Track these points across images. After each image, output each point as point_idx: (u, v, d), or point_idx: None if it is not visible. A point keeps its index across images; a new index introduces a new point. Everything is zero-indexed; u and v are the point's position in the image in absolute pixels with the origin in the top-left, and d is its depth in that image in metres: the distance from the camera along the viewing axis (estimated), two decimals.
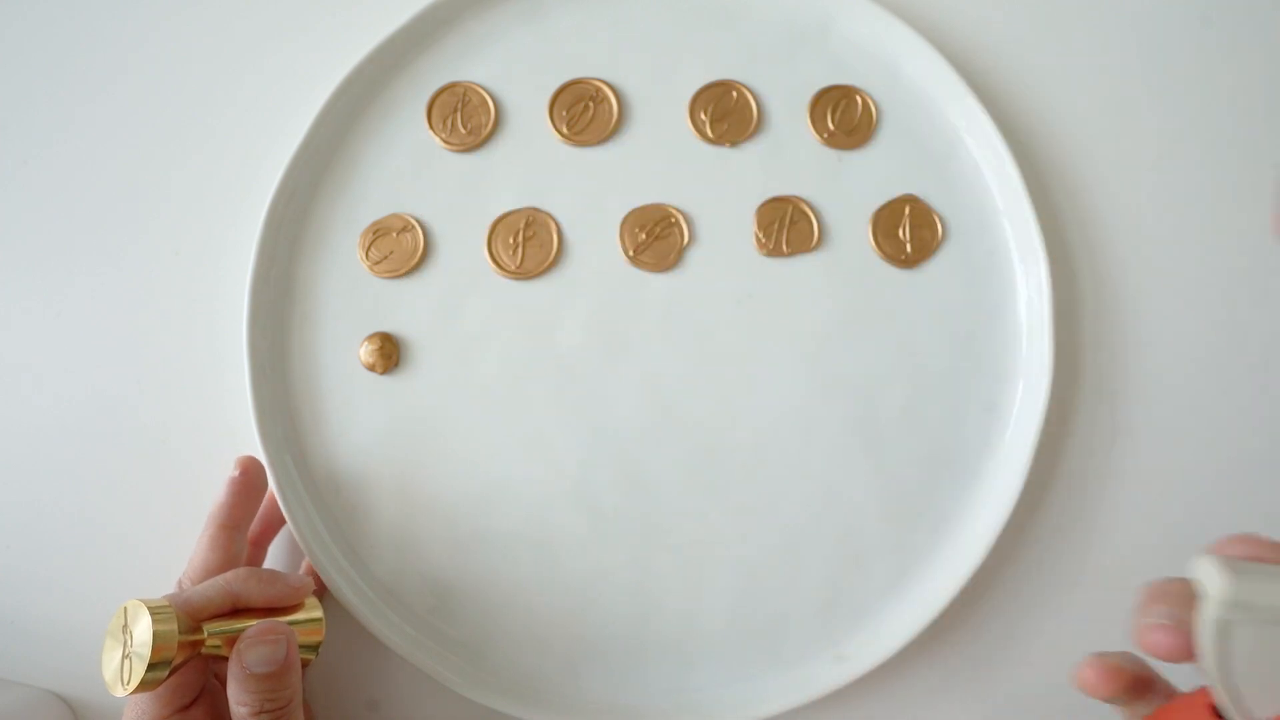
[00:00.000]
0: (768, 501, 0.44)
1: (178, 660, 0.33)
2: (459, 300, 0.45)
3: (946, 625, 0.44)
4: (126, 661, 0.32)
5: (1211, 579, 0.27)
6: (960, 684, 0.45)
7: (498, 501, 0.44)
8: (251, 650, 0.34)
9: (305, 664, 0.37)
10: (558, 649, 0.44)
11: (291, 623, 0.37)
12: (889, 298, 0.46)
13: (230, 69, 0.48)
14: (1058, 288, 0.46)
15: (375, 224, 0.45)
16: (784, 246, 0.45)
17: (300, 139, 0.44)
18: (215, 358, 0.46)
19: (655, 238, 0.45)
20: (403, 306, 0.45)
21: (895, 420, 0.45)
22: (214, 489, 0.42)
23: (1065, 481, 0.46)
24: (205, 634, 0.34)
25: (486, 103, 0.46)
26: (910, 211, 0.46)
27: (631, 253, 0.45)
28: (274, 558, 0.45)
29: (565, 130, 0.46)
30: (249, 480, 0.41)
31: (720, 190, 0.46)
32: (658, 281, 0.46)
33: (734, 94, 0.46)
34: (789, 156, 0.46)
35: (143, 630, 0.32)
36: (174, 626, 0.33)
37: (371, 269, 0.45)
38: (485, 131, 0.46)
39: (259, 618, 0.36)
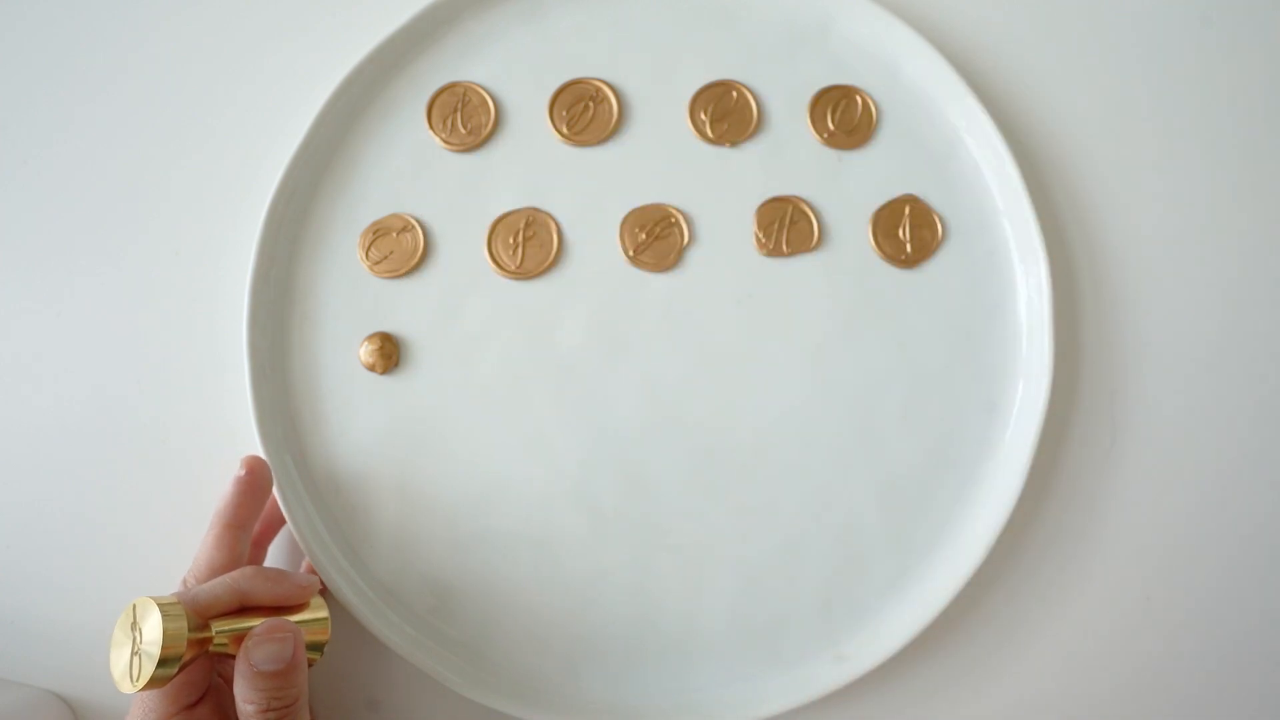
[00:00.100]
0: (768, 501, 0.45)
1: (187, 657, 0.33)
2: (459, 300, 0.46)
3: (946, 625, 0.45)
4: (135, 658, 0.33)
5: None
6: (960, 684, 0.46)
7: (498, 501, 0.45)
8: (259, 648, 0.35)
9: (310, 663, 0.38)
10: (558, 649, 0.44)
11: (298, 622, 0.37)
12: (889, 298, 0.46)
13: (230, 69, 0.49)
14: (1058, 288, 0.47)
15: (375, 224, 0.46)
16: (784, 246, 0.46)
17: (300, 139, 0.45)
18: (215, 358, 0.46)
19: (655, 238, 0.46)
20: (403, 306, 0.46)
21: (895, 420, 0.46)
22: (214, 489, 0.43)
23: (1065, 481, 0.47)
24: (213, 632, 0.35)
25: (486, 103, 0.47)
26: (910, 211, 0.47)
27: (631, 253, 0.46)
28: (274, 558, 0.46)
29: (565, 130, 0.47)
30: (255, 480, 0.41)
31: (720, 190, 0.47)
32: (658, 281, 0.46)
33: (734, 94, 0.47)
34: (789, 156, 0.47)
35: (152, 628, 0.33)
36: (183, 624, 0.33)
37: (371, 269, 0.46)
38: (485, 131, 0.47)
39: (265, 616, 0.36)
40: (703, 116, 0.47)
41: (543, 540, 0.45)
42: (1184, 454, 0.47)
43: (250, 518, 0.41)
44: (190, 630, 0.34)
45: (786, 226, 0.46)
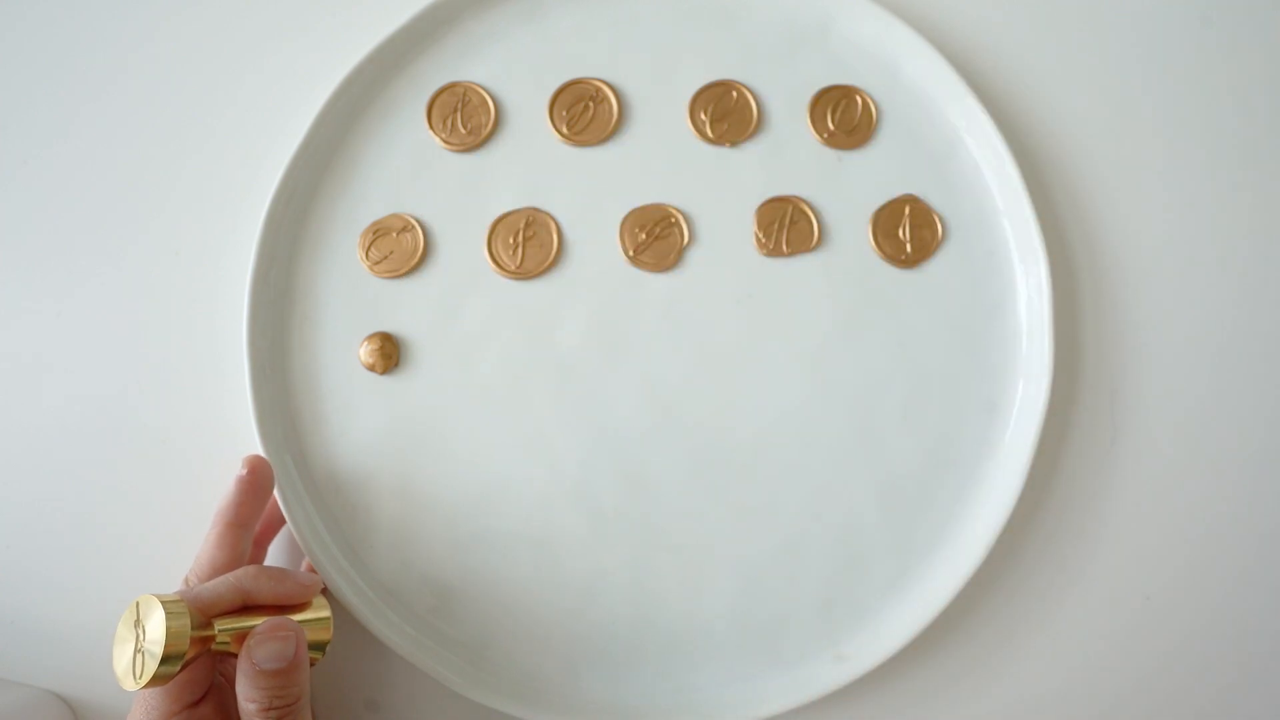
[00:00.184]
0: (768, 501, 0.45)
1: (190, 655, 0.34)
2: (459, 300, 0.46)
3: (946, 625, 0.45)
4: (139, 656, 0.34)
5: None
6: (960, 684, 0.46)
7: (498, 501, 0.45)
8: (261, 647, 0.35)
9: (312, 663, 0.38)
10: (558, 649, 0.45)
11: (300, 621, 0.38)
12: (889, 298, 0.47)
13: (230, 69, 0.49)
14: (1058, 288, 0.47)
15: (375, 224, 0.46)
16: (784, 246, 0.47)
17: (300, 139, 0.45)
18: (215, 358, 0.47)
19: (655, 238, 0.47)
20: (403, 306, 0.46)
21: (895, 420, 0.46)
22: (214, 489, 0.43)
23: (1065, 481, 0.47)
24: (215, 630, 0.35)
25: (486, 103, 0.47)
26: (910, 211, 0.47)
27: (631, 253, 0.47)
28: (274, 557, 0.46)
29: (565, 130, 0.47)
30: (257, 479, 0.42)
31: (720, 190, 0.47)
32: (658, 281, 0.47)
33: (734, 94, 0.48)
34: (789, 156, 0.47)
35: (155, 625, 0.33)
36: (186, 622, 0.34)
37: (371, 269, 0.46)
38: (485, 131, 0.47)
39: (268, 615, 0.37)
40: (703, 116, 0.47)
41: (543, 540, 0.45)
42: (1184, 454, 0.47)
43: (252, 517, 0.41)
44: (193, 628, 0.34)
45: (786, 226, 0.47)
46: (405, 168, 0.47)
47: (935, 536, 0.46)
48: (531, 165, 0.47)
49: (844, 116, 0.48)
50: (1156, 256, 0.48)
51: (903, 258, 0.47)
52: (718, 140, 0.47)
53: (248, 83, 0.49)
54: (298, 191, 0.46)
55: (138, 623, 0.34)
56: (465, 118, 0.47)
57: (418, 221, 0.47)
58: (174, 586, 0.42)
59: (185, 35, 0.50)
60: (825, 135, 0.47)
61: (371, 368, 0.45)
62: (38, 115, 0.49)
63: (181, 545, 0.44)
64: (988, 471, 0.46)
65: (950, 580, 0.44)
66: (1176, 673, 0.46)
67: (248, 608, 0.37)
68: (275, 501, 0.44)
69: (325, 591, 0.43)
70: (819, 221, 0.47)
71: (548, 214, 0.47)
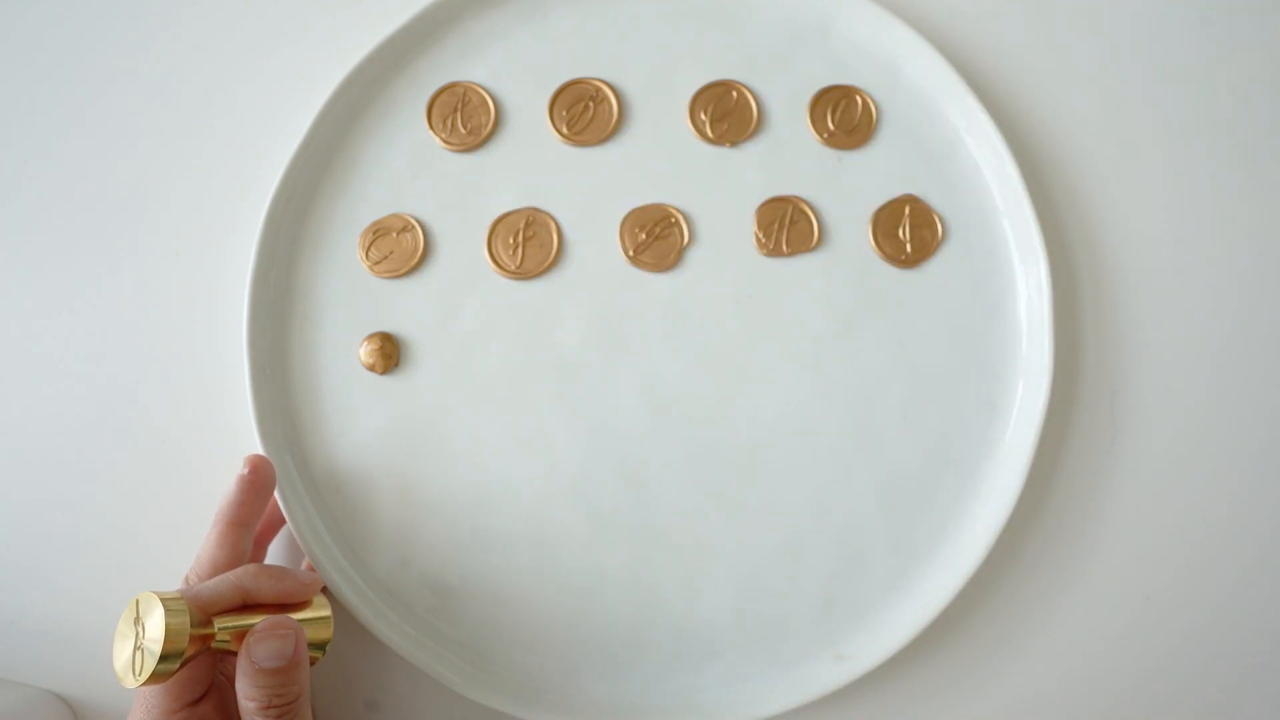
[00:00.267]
0: (768, 501, 0.46)
1: (189, 653, 0.34)
2: (459, 300, 0.46)
3: (946, 625, 0.45)
4: (138, 653, 0.34)
5: None
6: (960, 684, 0.46)
7: (498, 501, 0.45)
8: (260, 645, 0.35)
9: (313, 662, 0.38)
10: (558, 649, 0.45)
11: (300, 620, 0.38)
12: (889, 298, 0.47)
13: (230, 69, 0.50)
14: (1058, 288, 0.47)
15: (375, 224, 0.47)
16: (784, 246, 0.47)
17: (300, 139, 0.45)
18: (215, 358, 0.47)
19: (655, 238, 0.47)
20: (403, 306, 0.46)
21: (895, 420, 0.46)
22: (215, 489, 0.43)
23: (1065, 481, 0.47)
24: (215, 628, 0.35)
25: (486, 103, 0.48)
26: (910, 211, 0.47)
27: (631, 253, 0.47)
28: (274, 557, 0.46)
29: (565, 130, 0.47)
30: (258, 478, 0.42)
31: (720, 190, 0.47)
32: (658, 281, 0.47)
33: (734, 94, 0.48)
34: (789, 156, 0.48)
35: (155, 623, 0.34)
36: (186, 620, 0.34)
37: (371, 269, 0.46)
38: (485, 131, 0.47)
39: (268, 614, 0.37)
40: (703, 116, 0.48)
41: (543, 540, 0.45)
42: (1184, 454, 0.47)
43: (253, 516, 0.42)
44: (193, 626, 0.34)
45: (786, 226, 0.47)
46: (405, 168, 0.47)
47: (935, 536, 0.46)
48: (531, 165, 0.48)
49: (844, 116, 0.48)
50: (1156, 256, 0.48)
51: (903, 258, 0.47)
52: (718, 140, 0.48)
53: (248, 83, 0.50)
54: (298, 191, 0.46)
55: (137, 620, 0.35)
56: (465, 118, 0.47)
57: (418, 221, 0.47)
58: (174, 586, 0.42)
59: (185, 36, 0.50)
60: (825, 135, 0.48)
61: (371, 368, 0.46)
62: (38, 116, 0.50)
63: (181, 545, 0.44)
64: (988, 471, 0.46)
65: (950, 580, 0.44)
66: (1176, 672, 0.46)
67: (248, 606, 0.37)
68: (275, 501, 0.44)
69: (325, 590, 0.43)
70: (819, 221, 0.47)
71: (548, 214, 0.47)
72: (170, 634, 0.33)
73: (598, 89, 0.48)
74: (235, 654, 0.36)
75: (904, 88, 0.48)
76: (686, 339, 0.47)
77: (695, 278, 0.47)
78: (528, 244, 0.47)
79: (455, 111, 0.47)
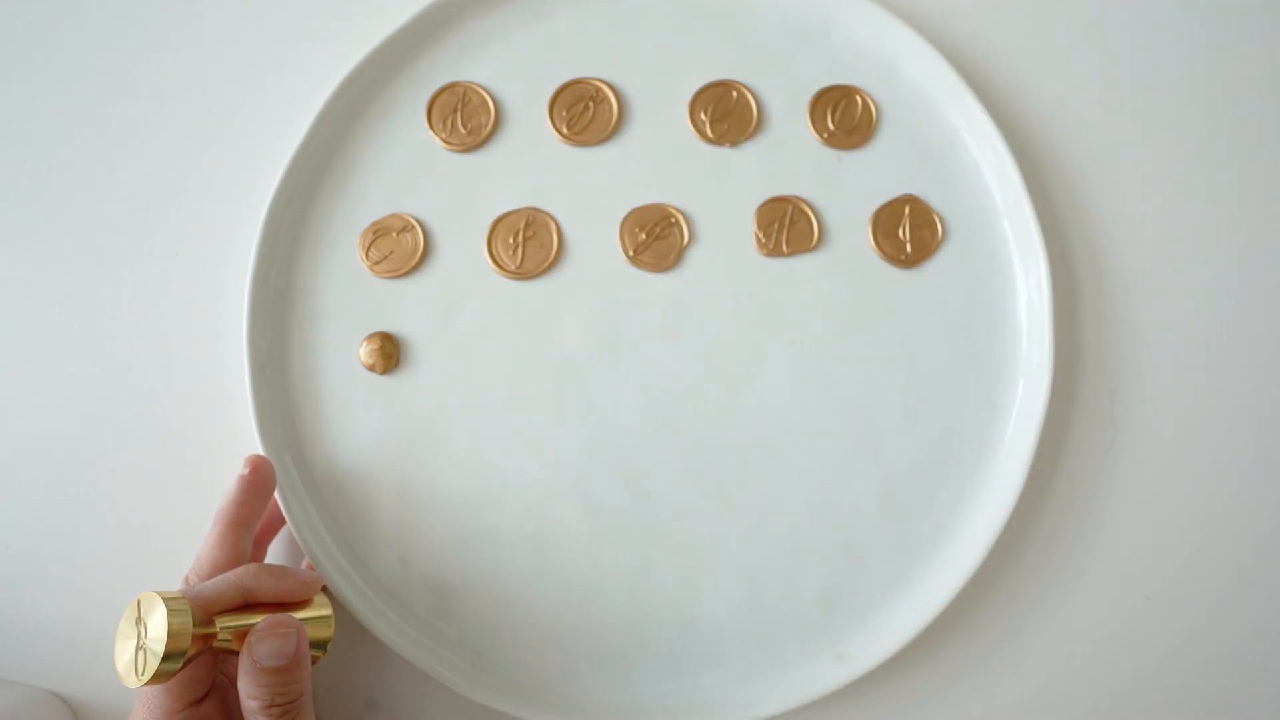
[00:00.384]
0: (768, 501, 0.46)
1: (191, 653, 0.34)
2: (459, 300, 0.47)
3: (946, 625, 0.46)
4: (140, 653, 0.34)
5: None
6: (960, 684, 0.46)
7: (498, 501, 0.46)
8: (262, 644, 0.35)
9: (314, 661, 0.38)
10: (558, 649, 0.45)
11: (301, 619, 0.38)
12: (889, 298, 0.47)
13: (231, 70, 0.50)
14: (1058, 288, 0.47)
15: (375, 224, 0.47)
16: (784, 246, 0.47)
17: (300, 139, 0.46)
18: (215, 358, 0.47)
19: (655, 238, 0.47)
20: (403, 306, 0.47)
21: (895, 420, 0.46)
22: (214, 489, 0.44)
23: (1065, 481, 0.47)
24: (217, 628, 0.36)
25: (486, 103, 0.48)
26: (910, 211, 0.47)
27: (631, 253, 0.47)
28: (274, 557, 0.46)
29: (565, 130, 0.48)
30: (259, 479, 0.42)
31: (720, 190, 0.48)
32: (658, 281, 0.47)
33: (734, 94, 0.48)
34: (789, 156, 0.48)
35: (157, 623, 0.34)
36: (188, 619, 0.34)
37: (371, 269, 0.47)
38: (485, 131, 0.48)
39: (269, 613, 0.37)
40: (703, 116, 0.48)
41: (543, 540, 0.45)
42: (1184, 454, 0.48)
43: (253, 516, 0.42)
44: (195, 626, 0.34)
45: (786, 226, 0.47)
46: (405, 168, 0.48)
47: (935, 536, 0.46)
48: (531, 165, 0.48)
49: (844, 116, 0.48)
50: (1157, 256, 0.49)
51: (903, 258, 0.47)
52: (718, 140, 0.48)
53: (248, 83, 0.50)
54: (298, 191, 0.46)
55: (139, 620, 0.35)
56: (465, 118, 0.48)
57: (418, 221, 0.47)
58: (174, 586, 0.42)
59: (185, 36, 0.50)
60: (825, 135, 0.48)
61: (371, 368, 0.46)
62: (38, 117, 0.50)
63: (181, 545, 0.45)
64: (988, 471, 0.46)
65: (950, 580, 0.45)
66: (1176, 672, 0.47)
67: (249, 606, 0.38)
68: (275, 501, 0.44)
69: (325, 590, 0.43)
70: (819, 221, 0.47)
71: (548, 214, 0.47)
72: (173, 634, 0.34)
73: (598, 89, 0.48)
74: (237, 653, 0.36)
75: (904, 88, 0.48)
76: (686, 339, 0.47)
77: (695, 278, 0.47)
78: (528, 244, 0.47)
79: (455, 111, 0.48)
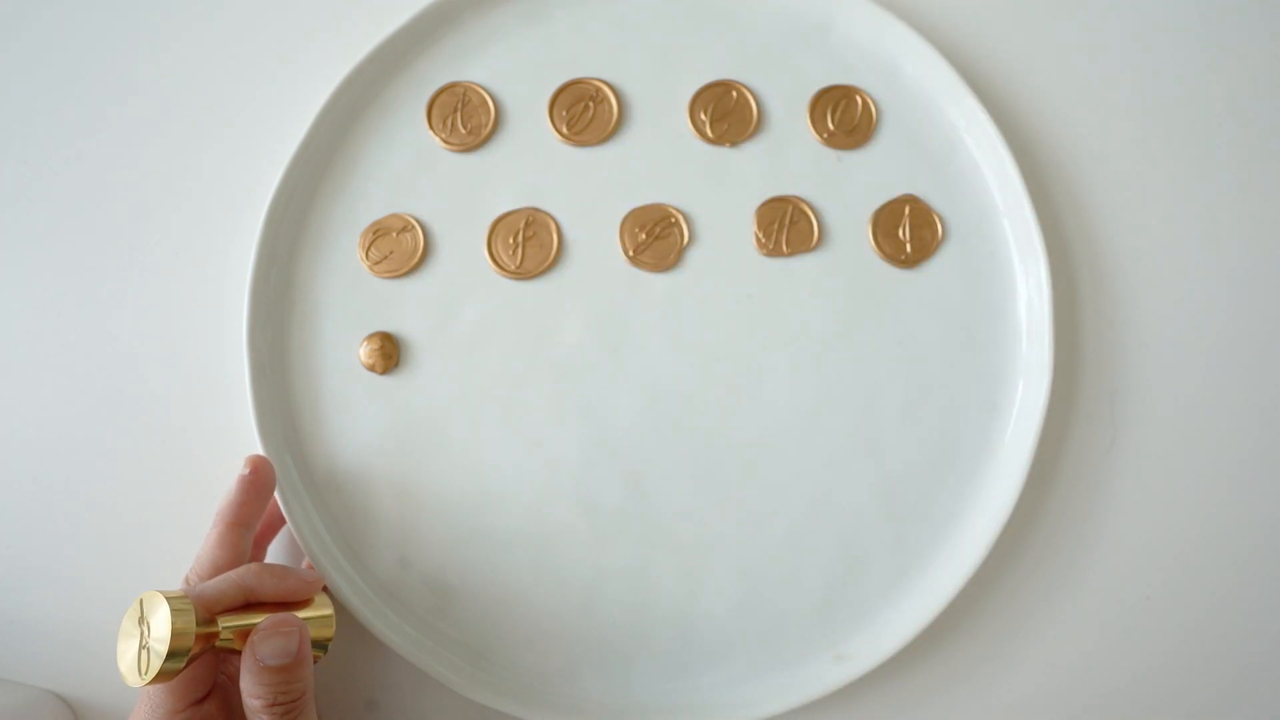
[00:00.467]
0: (768, 501, 0.46)
1: (194, 652, 0.34)
2: (459, 300, 0.47)
3: (946, 625, 0.46)
4: (144, 652, 0.34)
5: None
6: (960, 684, 0.47)
7: (497, 501, 0.46)
8: (265, 643, 0.36)
9: (315, 660, 0.39)
10: (558, 649, 0.45)
11: (303, 618, 0.38)
12: (889, 298, 0.47)
13: (230, 70, 0.50)
14: (1058, 288, 0.48)
15: (375, 224, 0.47)
16: (784, 246, 0.47)
17: (300, 139, 0.46)
18: (215, 358, 0.48)
19: (655, 238, 0.47)
20: (403, 306, 0.47)
21: (895, 420, 0.47)
22: (214, 489, 0.44)
23: (1065, 481, 0.48)
24: (220, 627, 0.36)
25: (486, 103, 0.48)
26: (910, 211, 0.48)
27: (631, 253, 0.47)
28: (274, 557, 0.47)
29: (565, 130, 0.48)
30: (259, 479, 0.42)
31: (720, 190, 0.48)
32: (658, 281, 0.47)
33: (734, 94, 0.48)
34: (789, 156, 0.48)
35: (160, 622, 0.34)
36: (192, 618, 0.34)
37: (371, 269, 0.47)
38: (485, 131, 0.48)
39: (271, 613, 0.37)
40: (703, 116, 0.48)
41: (543, 540, 0.46)
42: (1184, 454, 0.48)
43: (253, 517, 0.42)
44: (198, 625, 0.35)
45: (786, 226, 0.48)
46: (405, 168, 0.48)
47: (935, 536, 0.46)
48: (531, 165, 0.48)
49: (844, 116, 0.48)
50: (1157, 257, 0.49)
51: (903, 258, 0.48)
52: (718, 140, 0.48)
53: (248, 83, 0.50)
54: (298, 191, 0.47)
55: (142, 619, 0.35)
56: (465, 118, 0.48)
57: (418, 221, 0.47)
58: (174, 586, 0.43)
59: (185, 37, 0.50)
60: (825, 135, 0.48)
61: (371, 368, 0.46)
62: (37, 117, 0.50)
63: (181, 545, 0.45)
64: (988, 471, 0.47)
65: (950, 580, 0.45)
66: (1176, 672, 0.47)
67: (250, 605, 0.38)
68: (275, 501, 0.44)
69: (325, 589, 0.43)
70: (819, 221, 0.48)
71: (548, 214, 0.48)
72: (177, 633, 0.34)
73: (598, 89, 0.48)
74: (238, 653, 0.37)
75: (904, 88, 0.49)
76: (686, 339, 0.47)
77: (695, 278, 0.48)
78: (528, 244, 0.47)
79: (455, 111, 0.48)
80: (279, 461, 0.45)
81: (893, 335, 0.47)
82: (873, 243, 0.48)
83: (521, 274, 0.47)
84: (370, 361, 0.46)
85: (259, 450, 0.45)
